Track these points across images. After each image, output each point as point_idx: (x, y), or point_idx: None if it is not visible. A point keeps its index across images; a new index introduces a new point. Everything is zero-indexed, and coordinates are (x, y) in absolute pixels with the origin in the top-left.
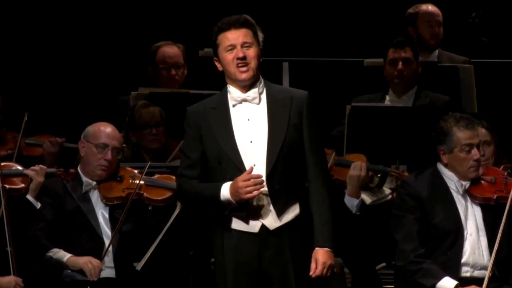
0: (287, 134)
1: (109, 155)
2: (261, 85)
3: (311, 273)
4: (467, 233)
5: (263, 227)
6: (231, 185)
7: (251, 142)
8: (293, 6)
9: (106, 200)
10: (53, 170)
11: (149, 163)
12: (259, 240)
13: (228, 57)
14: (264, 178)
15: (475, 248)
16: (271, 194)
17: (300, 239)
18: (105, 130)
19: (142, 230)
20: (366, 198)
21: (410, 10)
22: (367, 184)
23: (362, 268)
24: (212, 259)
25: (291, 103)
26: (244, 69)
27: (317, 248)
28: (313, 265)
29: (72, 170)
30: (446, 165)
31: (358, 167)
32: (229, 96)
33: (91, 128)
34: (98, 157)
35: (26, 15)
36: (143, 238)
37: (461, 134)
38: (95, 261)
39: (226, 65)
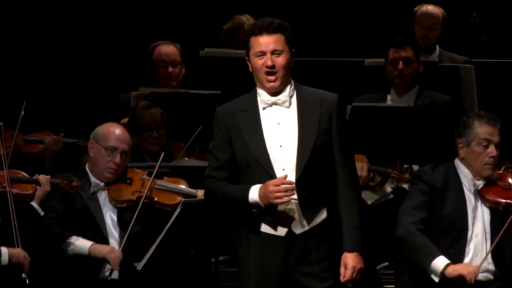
0: (317, 139)
1: (117, 159)
2: (291, 88)
3: (341, 278)
4: (472, 234)
5: (290, 231)
6: (261, 188)
7: (280, 146)
8: (293, 6)
9: (115, 203)
10: (57, 181)
11: (159, 163)
12: (285, 243)
13: (258, 63)
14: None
15: (479, 250)
16: (300, 199)
17: (326, 242)
18: (115, 132)
19: (150, 232)
20: (368, 198)
21: (415, 9)
22: (368, 183)
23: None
24: (213, 259)
25: (321, 107)
26: (272, 78)
27: (346, 253)
28: (342, 270)
29: (74, 184)
30: (462, 160)
31: (358, 167)
32: (259, 98)
33: (101, 129)
34: (106, 160)
35: (27, 13)
36: (149, 240)
37: (481, 129)
38: (118, 252)
39: (255, 70)
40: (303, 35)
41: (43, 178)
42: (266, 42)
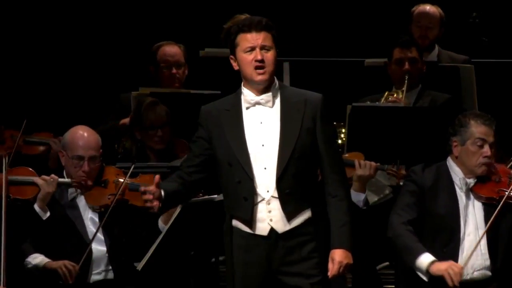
0: (299, 138)
1: (85, 167)
2: (275, 88)
3: (328, 273)
4: (465, 233)
5: (272, 230)
6: None
7: (262, 145)
8: (293, 6)
9: (93, 209)
10: (67, 180)
11: (133, 166)
12: (268, 242)
13: (247, 58)
14: (274, 181)
15: (472, 249)
16: (281, 198)
17: (310, 241)
18: (81, 138)
19: (133, 230)
20: (368, 199)
21: (413, 8)
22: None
23: (362, 268)
24: (213, 259)
25: (304, 107)
26: (261, 71)
27: (333, 249)
28: (330, 265)
29: (89, 183)
30: (456, 158)
31: (367, 166)
32: (242, 98)
33: (67, 136)
34: (76, 169)
35: (28, 13)
36: (136, 238)
37: (476, 128)
38: (70, 264)
39: (243, 66)
40: (303, 35)
41: (42, 180)
42: (255, 38)
